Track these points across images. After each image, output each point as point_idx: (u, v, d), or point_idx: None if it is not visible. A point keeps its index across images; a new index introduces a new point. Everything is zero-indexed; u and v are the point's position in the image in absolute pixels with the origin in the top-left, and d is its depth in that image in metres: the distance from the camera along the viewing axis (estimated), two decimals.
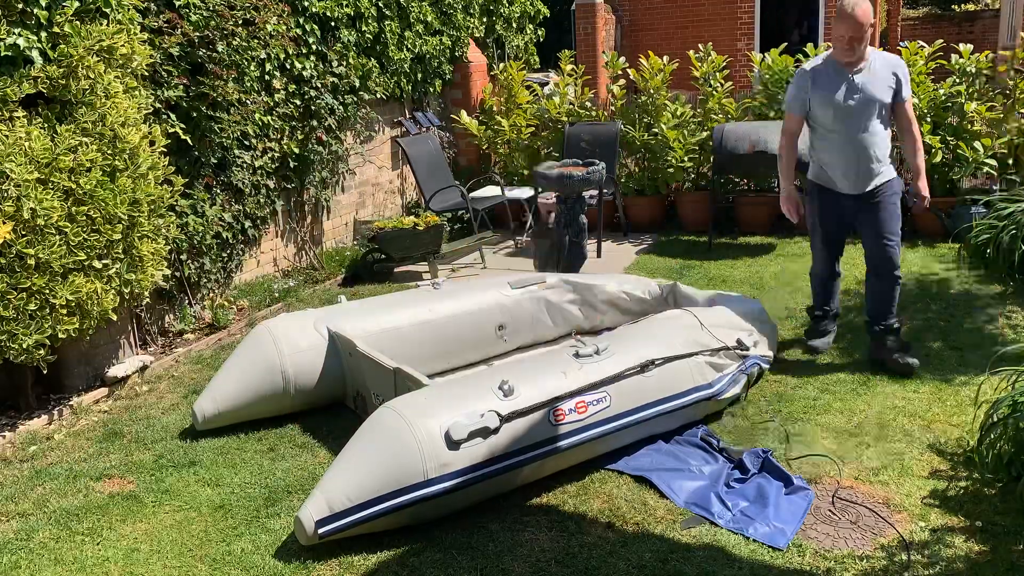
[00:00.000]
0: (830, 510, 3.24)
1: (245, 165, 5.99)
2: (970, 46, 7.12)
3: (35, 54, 4.17)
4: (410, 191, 8.65)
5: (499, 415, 3.22)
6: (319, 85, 6.76)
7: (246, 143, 5.99)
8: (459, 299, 4.60)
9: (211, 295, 5.86)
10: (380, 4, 7.56)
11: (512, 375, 3.40)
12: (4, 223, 3.84)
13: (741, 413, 4.06)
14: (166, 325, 5.48)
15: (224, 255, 5.94)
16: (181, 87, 5.22)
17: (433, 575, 2.94)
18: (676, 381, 3.72)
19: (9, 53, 4.05)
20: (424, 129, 8.27)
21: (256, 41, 5.88)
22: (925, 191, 4.50)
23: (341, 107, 7.08)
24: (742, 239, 7.41)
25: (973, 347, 4.71)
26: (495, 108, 8.82)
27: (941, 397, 4.12)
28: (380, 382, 3.92)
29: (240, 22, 5.73)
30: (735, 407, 4.10)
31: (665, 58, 7.95)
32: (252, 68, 5.87)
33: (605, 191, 7.40)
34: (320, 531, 2.99)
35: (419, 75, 8.38)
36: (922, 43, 7.13)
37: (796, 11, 14.63)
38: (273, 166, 6.35)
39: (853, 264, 6.44)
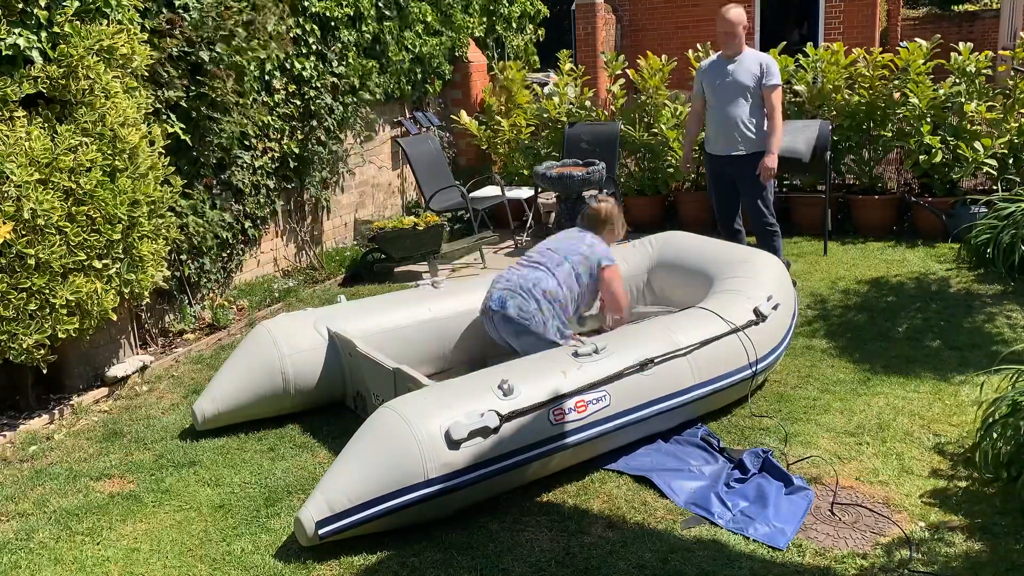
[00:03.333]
0: (830, 510, 3.24)
1: (245, 165, 5.99)
2: (970, 45, 7.12)
3: (35, 54, 4.18)
4: (410, 191, 8.65)
5: (499, 415, 3.22)
6: (319, 85, 6.76)
7: (246, 143, 5.99)
8: (459, 299, 4.60)
9: (211, 295, 5.86)
10: (380, 4, 7.56)
11: (512, 375, 3.40)
12: (4, 223, 3.85)
13: (741, 413, 4.06)
14: (166, 325, 5.48)
15: (224, 255, 5.94)
16: (181, 87, 5.22)
17: (433, 575, 2.94)
18: (677, 379, 3.72)
19: (9, 53, 4.05)
20: (424, 129, 8.27)
21: (256, 41, 5.88)
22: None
23: (341, 107, 7.09)
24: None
25: (973, 347, 4.71)
26: (495, 108, 8.82)
27: (941, 397, 4.12)
28: (380, 382, 3.91)
29: (240, 22, 5.73)
30: (737, 407, 4.10)
31: (663, 58, 7.95)
32: (252, 68, 5.87)
33: (605, 191, 7.40)
34: (320, 532, 2.99)
35: (419, 75, 8.38)
36: (922, 42, 7.13)
37: (796, 11, 14.64)
38: (273, 166, 6.35)
39: (853, 264, 6.44)
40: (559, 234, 4.50)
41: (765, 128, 5.64)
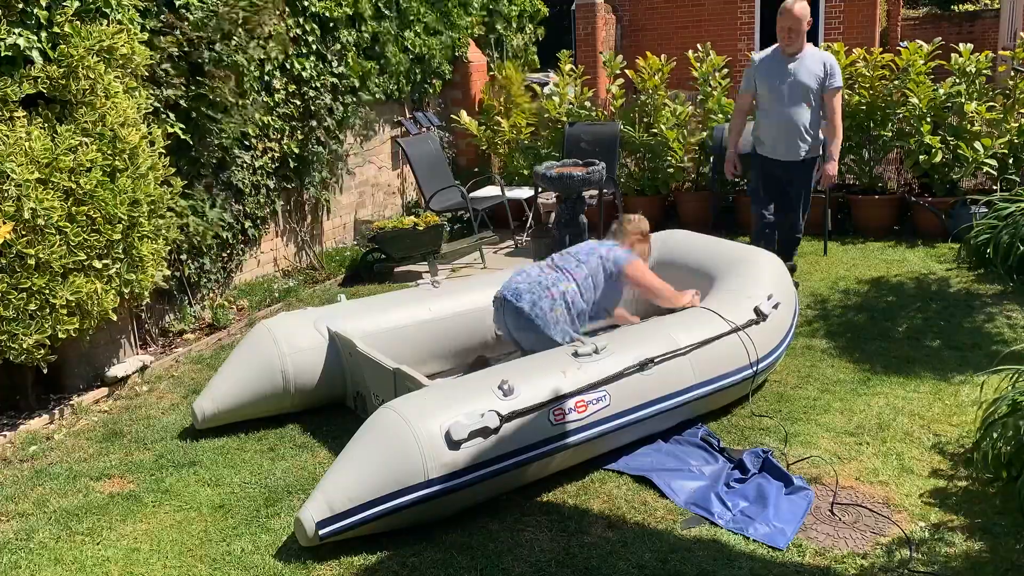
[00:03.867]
0: (830, 510, 3.24)
1: (245, 165, 5.99)
2: (970, 46, 7.12)
3: (35, 54, 4.17)
4: (410, 191, 8.65)
5: (499, 415, 3.22)
6: (319, 85, 6.76)
7: (246, 143, 5.99)
8: (458, 299, 4.60)
9: (211, 295, 5.86)
10: (379, 4, 7.56)
11: (512, 375, 3.40)
12: (4, 223, 3.84)
13: (741, 413, 4.06)
14: (166, 325, 5.48)
15: (224, 255, 5.94)
16: (181, 87, 5.22)
17: (433, 575, 2.94)
18: (677, 379, 3.72)
19: (9, 53, 4.05)
20: (424, 129, 8.26)
21: (255, 41, 5.88)
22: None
23: (341, 107, 7.09)
24: (742, 239, 7.40)
25: (973, 347, 4.71)
26: (495, 108, 8.82)
27: (941, 397, 4.12)
28: (380, 382, 3.91)
29: (239, 22, 5.72)
30: (737, 407, 4.10)
31: (663, 57, 7.95)
32: (252, 68, 5.86)
33: (605, 191, 7.40)
34: (321, 532, 2.98)
35: (419, 75, 8.38)
36: (922, 43, 7.14)
37: None
38: (273, 166, 6.35)
39: (853, 264, 6.44)
40: (579, 244, 4.49)
41: (821, 133, 5.33)
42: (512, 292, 4.10)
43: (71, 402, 4.44)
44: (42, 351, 4.08)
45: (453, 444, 3.11)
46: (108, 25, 4.47)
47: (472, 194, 7.79)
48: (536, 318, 4.01)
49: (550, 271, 4.20)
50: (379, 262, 6.89)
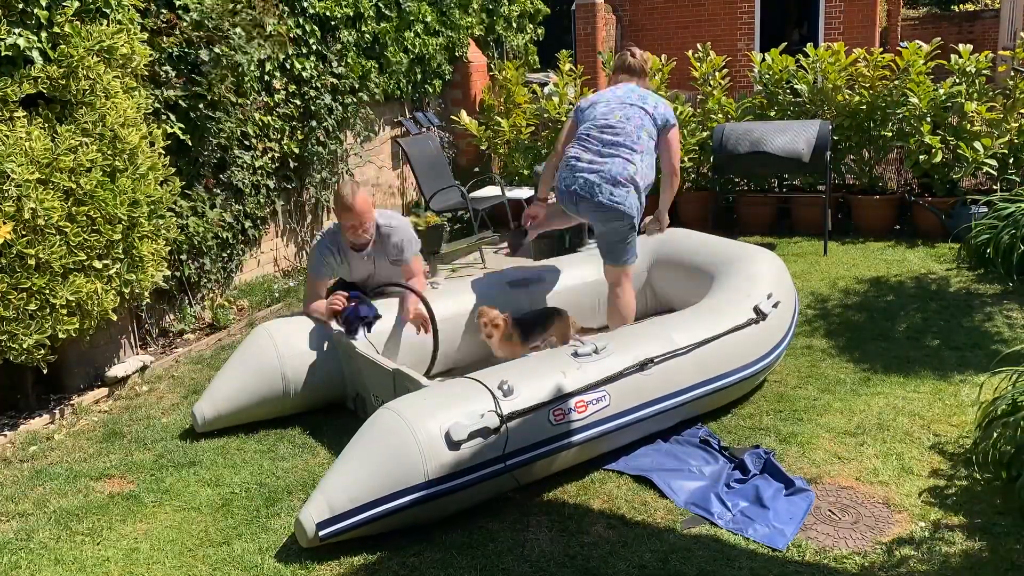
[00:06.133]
0: (830, 510, 3.24)
1: (245, 165, 5.99)
2: (970, 46, 7.12)
3: (35, 54, 4.17)
4: (410, 191, 8.65)
5: (499, 415, 3.22)
6: (319, 85, 6.76)
7: (246, 143, 5.99)
8: (459, 299, 4.60)
9: (211, 295, 5.86)
10: (379, 4, 7.56)
11: (511, 375, 3.40)
12: (4, 223, 3.84)
13: (741, 413, 4.06)
14: (166, 325, 5.48)
15: (224, 255, 5.94)
16: (180, 87, 5.22)
17: (433, 575, 2.94)
18: (677, 378, 3.72)
19: (9, 53, 4.05)
20: (424, 129, 8.26)
21: (255, 41, 5.88)
22: None
23: (341, 107, 7.09)
24: (742, 239, 7.40)
25: (973, 347, 4.71)
26: (495, 108, 8.82)
27: (941, 397, 4.12)
28: (379, 383, 3.91)
29: (239, 22, 5.72)
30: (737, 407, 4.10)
31: (663, 57, 7.95)
32: (252, 68, 5.86)
33: None
34: (321, 533, 2.98)
35: (419, 75, 8.38)
36: (921, 43, 7.14)
37: (796, 11, 14.63)
38: (273, 166, 6.35)
39: (853, 264, 6.44)
40: (617, 92, 4.37)
41: None
42: (584, 187, 4.14)
43: (71, 402, 4.44)
44: (42, 351, 4.08)
45: (453, 444, 3.11)
46: (108, 25, 4.47)
47: (472, 194, 7.79)
48: (619, 205, 4.14)
49: (609, 153, 4.19)
50: None
